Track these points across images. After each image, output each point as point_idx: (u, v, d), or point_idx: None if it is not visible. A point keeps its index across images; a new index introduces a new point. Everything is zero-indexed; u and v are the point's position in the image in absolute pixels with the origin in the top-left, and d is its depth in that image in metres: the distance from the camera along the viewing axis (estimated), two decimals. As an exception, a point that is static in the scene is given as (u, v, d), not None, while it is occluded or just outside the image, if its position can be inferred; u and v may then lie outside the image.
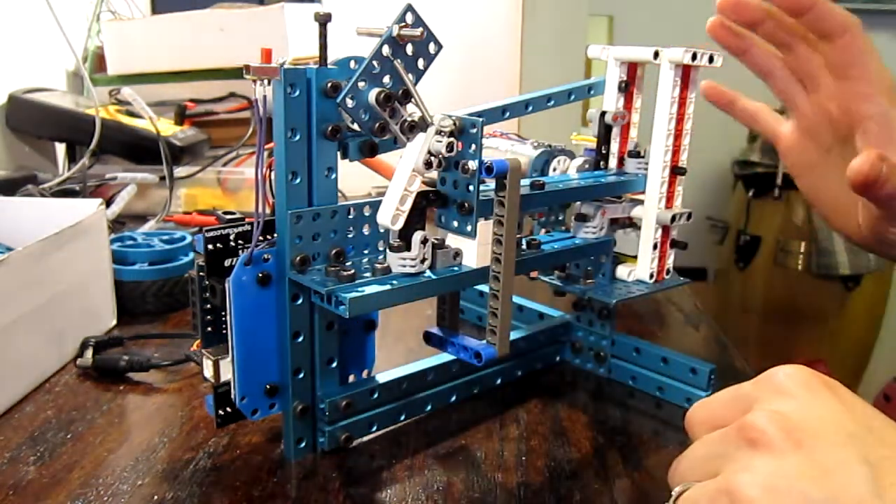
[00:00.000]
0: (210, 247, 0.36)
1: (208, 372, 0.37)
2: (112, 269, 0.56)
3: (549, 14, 1.43)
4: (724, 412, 0.30)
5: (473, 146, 0.36)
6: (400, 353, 0.45)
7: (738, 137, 2.66)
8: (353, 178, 0.46)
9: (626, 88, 0.47)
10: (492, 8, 1.42)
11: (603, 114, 0.47)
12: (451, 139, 0.36)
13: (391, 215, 0.35)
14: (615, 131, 0.48)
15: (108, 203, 0.78)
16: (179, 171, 0.87)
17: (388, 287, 0.35)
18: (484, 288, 0.56)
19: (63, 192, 0.78)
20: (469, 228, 0.38)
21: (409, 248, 0.36)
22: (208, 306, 0.37)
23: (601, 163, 0.48)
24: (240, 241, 0.36)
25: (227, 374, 0.37)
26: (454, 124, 0.36)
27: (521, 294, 0.54)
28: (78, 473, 0.37)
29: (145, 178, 0.85)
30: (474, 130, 0.36)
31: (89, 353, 0.49)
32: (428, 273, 0.37)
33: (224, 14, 1.01)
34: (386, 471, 0.39)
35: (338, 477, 0.38)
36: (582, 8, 1.52)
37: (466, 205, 0.37)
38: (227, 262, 0.36)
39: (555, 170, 0.48)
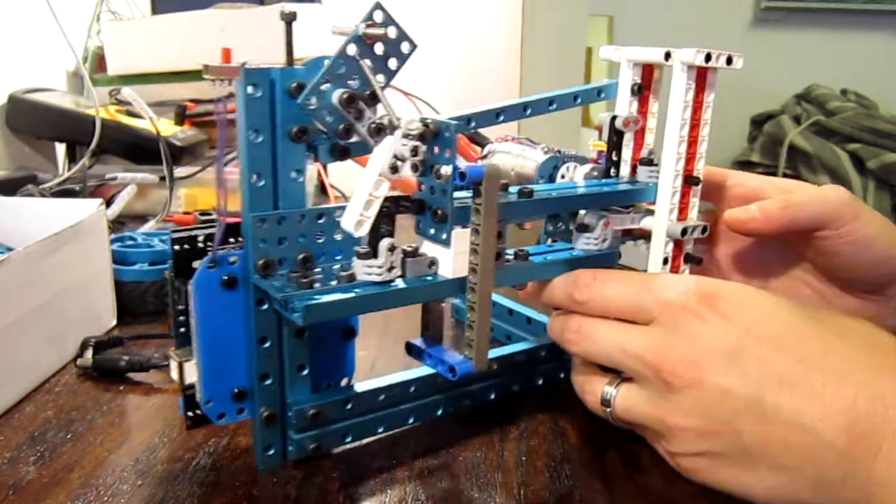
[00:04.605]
0: (177, 248, 0.36)
1: (174, 373, 0.37)
2: (112, 269, 0.56)
3: (549, 14, 1.43)
4: (621, 309, 0.38)
5: (448, 150, 0.35)
6: (400, 355, 0.45)
7: (738, 137, 2.66)
8: (354, 179, 0.46)
9: (640, 92, 0.45)
10: (492, 8, 1.42)
11: (613, 118, 0.45)
12: (417, 143, 0.35)
13: (355, 220, 0.34)
14: (628, 137, 0.45)
15: (108, 203, 0.78)
16: (179, 171, 0.87)
17: (349, 295, 0.34)
18: (494, 297, 0.55)
19: (63, 192, 0.78)
20: (444, 236, 0.37)
21: (376, 256, 0.35)
22: (180, 307, 0.37)
23: (612, 170, 0.45)
24: (209, 243, 0.36)
25: (192, 376, 0.36)
26: (427, 127, 0.35)
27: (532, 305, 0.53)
28: (78, 473, 0.37)
29: (145, 178, 0.85)
30: (448, 134, 0.35)
31: (89, 353, 0.49)
32: (398, 282, 0.36)
33: (224, 14, 1.01)
34: (386, 471, 0.38)
35: (338, 477, 0.38)
36: (582, 8, 1.52)
37: (440, 212, 0.36)
38: (195, 264, 0.36)
39: (563, 176, 0.46)
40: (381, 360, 0.42)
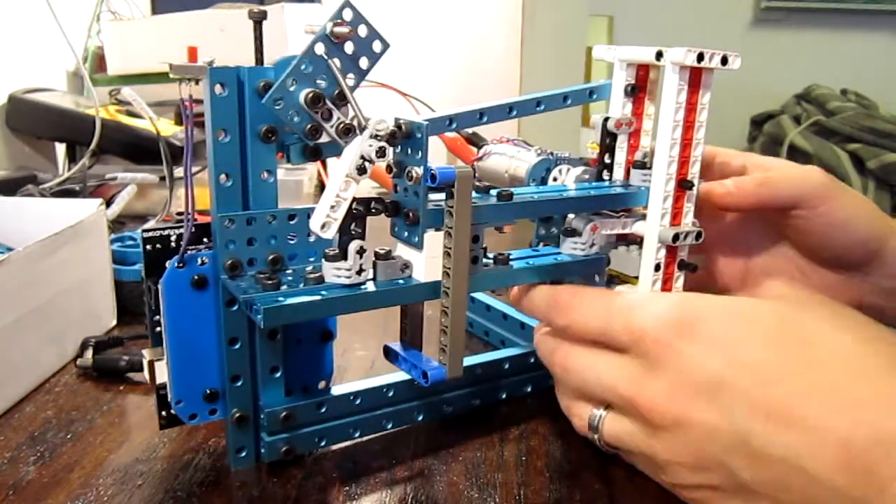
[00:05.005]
0: (149, 247, 0.36)
1: (146, 372, 0.37)
2: (112, 269, 0.56)
3: (549, 14, 1.43)
4: (593, 335, 0.37)
5: (420, 152, 0.35)
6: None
7: (738, 137, 2.67)
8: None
9: (634, 92, 0.43)
10: (492, 8, 1.42)
11: (606, 119, 0.44)
12: (383, 144, 0.34)
13: (321, 222, 0.34)
14: (622, 139, 0.44)
15: (108, 203, 0.78)
16: (179, 171, 0.87)
17: (314, 298, 0.34)
18: (489, 301, 0.55)
19: (63, 192, 0.78)
20: (416, 239, 0.36)
21: (345, 258, 0.35)
22: (153, 307, 0.37)
23: (604, 173, 0.44)
24: (181, 243, 0.36)
25: (163, 376, 0.36)
26: (399, 128, 0.35)
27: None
28: (78, 473, 0.37)
29: (145, 178, 0.85)
30: (420, 135, 0.34)
31: (89, 353, 0.49)
32: (368, 285, 0.36)
33: (224, 14, 1.01)
34: (386, 471, 0.39)
35: (338, 477, 0.38)
36: (582, 8, 1.52)
37: (412, 214, 0.36)
38: (167, 264, 0.35)
39: (555, 179, 0.45)
40: (381, 359, 0.42)
